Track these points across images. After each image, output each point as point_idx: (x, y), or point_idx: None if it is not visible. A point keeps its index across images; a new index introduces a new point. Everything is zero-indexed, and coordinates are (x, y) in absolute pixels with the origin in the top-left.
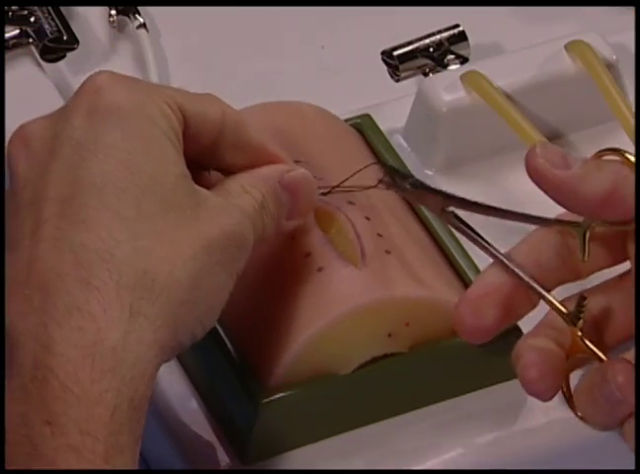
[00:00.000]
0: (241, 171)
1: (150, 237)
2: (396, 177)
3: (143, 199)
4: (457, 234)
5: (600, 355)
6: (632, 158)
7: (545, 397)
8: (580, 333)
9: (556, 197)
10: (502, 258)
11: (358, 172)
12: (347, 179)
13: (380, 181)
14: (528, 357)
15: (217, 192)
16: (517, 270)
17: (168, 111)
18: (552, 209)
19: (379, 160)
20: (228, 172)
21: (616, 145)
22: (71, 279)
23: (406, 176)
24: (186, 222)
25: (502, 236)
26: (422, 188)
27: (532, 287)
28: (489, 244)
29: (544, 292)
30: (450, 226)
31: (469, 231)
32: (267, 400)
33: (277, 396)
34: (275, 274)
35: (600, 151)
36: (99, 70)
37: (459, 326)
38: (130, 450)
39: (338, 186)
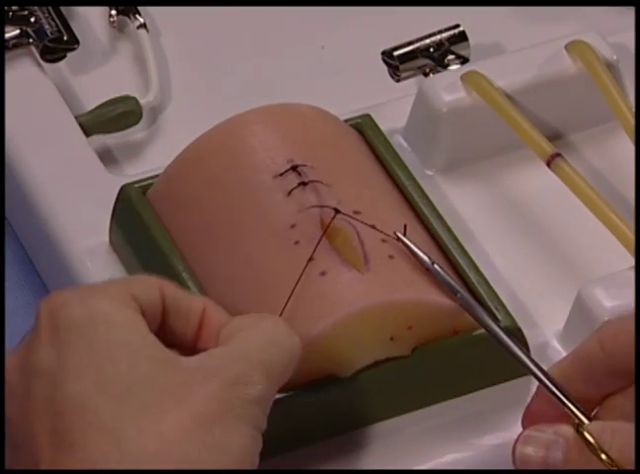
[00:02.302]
0: (192, 336)
1: (135, 440)
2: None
3: (122, 406)
4: (460, 238)
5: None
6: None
7: None
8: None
9: None
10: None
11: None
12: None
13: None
14: None
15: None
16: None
17: (122, 303)
18: (552, 212)
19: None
20: (181, 340)
21: (617, 145)
22: None
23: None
24: (171, 406)
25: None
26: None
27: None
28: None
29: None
30: None
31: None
32: None
33: (277, 396)
34: (277, 277)
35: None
36: (52, 292)
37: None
38: None
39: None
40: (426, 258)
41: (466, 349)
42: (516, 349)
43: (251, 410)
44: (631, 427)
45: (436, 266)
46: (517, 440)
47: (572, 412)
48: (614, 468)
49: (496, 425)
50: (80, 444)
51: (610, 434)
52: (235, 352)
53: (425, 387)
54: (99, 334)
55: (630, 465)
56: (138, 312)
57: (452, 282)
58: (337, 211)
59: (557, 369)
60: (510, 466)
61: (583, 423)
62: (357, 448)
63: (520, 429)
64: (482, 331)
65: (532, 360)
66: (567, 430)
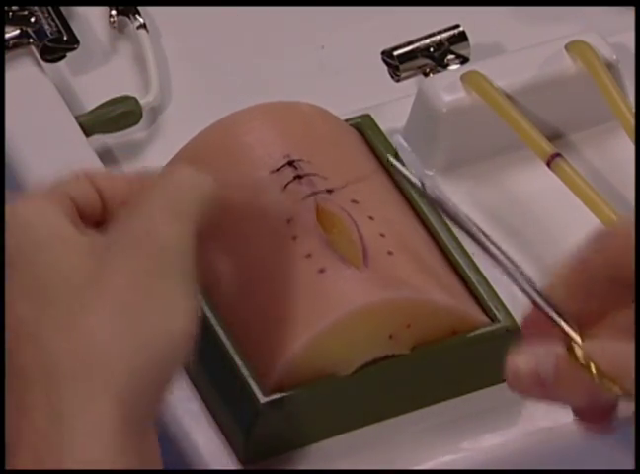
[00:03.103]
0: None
1: (55, 341)
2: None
3: (43, 310)
4: (459, 234)
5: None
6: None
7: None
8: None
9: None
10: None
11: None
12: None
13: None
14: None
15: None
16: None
17: (32, 202)
18: (552, 212)
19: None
20: None
21: (617, 145)
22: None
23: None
24: (88, 300)
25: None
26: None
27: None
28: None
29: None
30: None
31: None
32: (267, 400)
33: (276, 396)
34: (275, 274)
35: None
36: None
37: None
38: None
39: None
40: (417, 181)
41: (466, 348)
42: (506, 261)
43: (165, 259)
44: (623, 345)
45: (425, 185)
46: (508, 354)
47: (562, 329)
48: (604, 384)
49: (496, 424)
50: (9, 356)
51: (601, 350)
52: (139, 210)
53: (425, 387)
54: (18, 240)
55: (620, 381)
56: (52, 202)
57: (449, 204)
58: (329, 192)
59: (558, 280)
60: (510, 466)
61: (574, 340)
62: (357, 448)
63: (521, 429)
64: (482, 331)
65: (522, 273)
66: (560, 347)
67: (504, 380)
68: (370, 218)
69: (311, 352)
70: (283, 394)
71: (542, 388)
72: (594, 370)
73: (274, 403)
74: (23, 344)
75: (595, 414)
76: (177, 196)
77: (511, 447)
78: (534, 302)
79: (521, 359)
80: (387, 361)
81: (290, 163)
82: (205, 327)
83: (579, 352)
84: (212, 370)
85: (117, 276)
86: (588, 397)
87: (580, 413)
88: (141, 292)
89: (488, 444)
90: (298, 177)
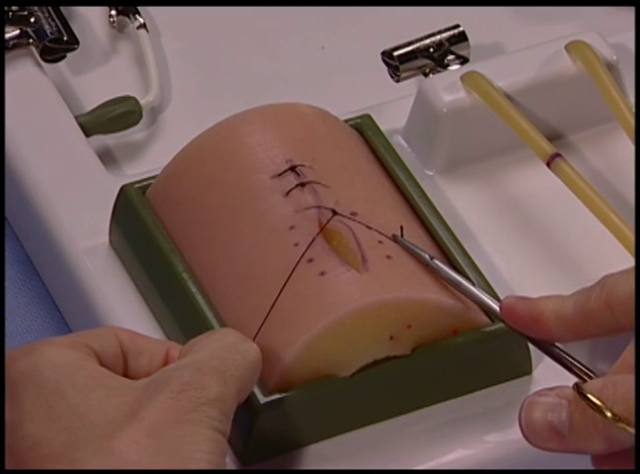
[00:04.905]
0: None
1: (87, 461)
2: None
3: (74, 434)
4: (460, 238)
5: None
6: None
7: None
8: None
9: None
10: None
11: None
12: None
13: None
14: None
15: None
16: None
17: (67, 348)
18: (552, 212)
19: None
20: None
21: (617, 145)
22: None
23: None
24: (122, 423)
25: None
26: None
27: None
28: None
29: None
30: None
31: None
32: (267, 400)
33: (277, 397)
34: (277, 277)
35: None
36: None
37: None
38: None
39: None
40: (424, 254)
41: (466, 349)
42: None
43: (206, 412)
44: (633, 378)
45: (435, 261)
46: (521, 408)
47: (574, 373)
48: (621, 423)
49: (495, 425)
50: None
51: (612, 388)
52: (186, 362)
53: (425, 388)
54: (45, 376)
55: (633, 419)
56: (87, 353)
57: (455, 275)
58: (334, 213)
59: (558, 320)
60: (510, 466)
61: (584, 381)
62: (357, 448)
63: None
64: (482, 331)
65: None
66: (569, 391)
67: (504, 380)
68: (369, 228)
69: (311, 352)
70: (283, 394)
71: (560, 438)
72: (608, 413)
73: (274, 403)
74: (50, 464)
75: (615, 460)
76: (225, 357)
77: (510, 447)
78: (543, 349)
79: (535, 416)
80: (387, 363)
81: (292, 168)
82: (206, 328)
83: (588, 388)
84: None
85: (155, 409)
86: (605, 441)
87: (600, 461)
88: (178, 425)
89: (488, 444)
90: (301, 184)
